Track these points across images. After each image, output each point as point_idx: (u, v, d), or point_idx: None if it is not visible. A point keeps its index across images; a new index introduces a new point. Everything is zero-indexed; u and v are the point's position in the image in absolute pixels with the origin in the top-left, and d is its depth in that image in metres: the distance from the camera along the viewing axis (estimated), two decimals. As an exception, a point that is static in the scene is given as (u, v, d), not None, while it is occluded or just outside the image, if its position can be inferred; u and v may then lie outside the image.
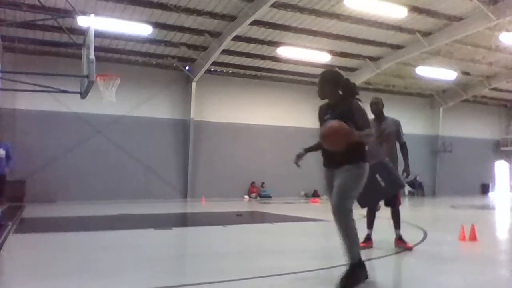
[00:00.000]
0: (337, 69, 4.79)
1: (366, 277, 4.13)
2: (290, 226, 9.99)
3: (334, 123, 4.04)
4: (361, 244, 6.04)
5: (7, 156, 9.38)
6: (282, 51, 19.35)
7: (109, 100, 13.75)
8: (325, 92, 4.42)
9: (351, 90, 4.39)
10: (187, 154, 20.42)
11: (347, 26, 17.73)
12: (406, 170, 6.15)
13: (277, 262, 5.35)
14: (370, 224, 6.24)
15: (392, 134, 6.26)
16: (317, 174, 23.00)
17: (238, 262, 5.48)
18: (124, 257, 5.83)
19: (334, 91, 4.38)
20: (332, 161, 4.27)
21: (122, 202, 17.15)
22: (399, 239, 6.12)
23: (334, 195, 4.17)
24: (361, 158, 4.24)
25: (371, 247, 6.08)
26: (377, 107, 6.37)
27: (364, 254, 5.69)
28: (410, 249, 5.99)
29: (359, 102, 4.30)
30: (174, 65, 20.34)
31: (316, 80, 4.50)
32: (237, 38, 17.84)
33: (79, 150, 18.32)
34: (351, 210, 4.13)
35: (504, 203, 20.39)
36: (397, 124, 6.33)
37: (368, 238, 6.17)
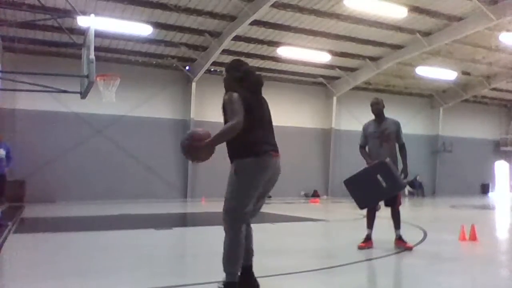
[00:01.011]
0: (240, 58, 4.27)
1: None
2: (290, 226, 9.99)
3: (192, 134, 3.60)
4: (361, 244, 6.09)
5: (7, 156, 9.39)
6: (282, 51, 19.34)
7: (109, 100, 13.73)
8: (225, 85, 3.82)
9: (251, 82, 3.77)
10: (187, 154, 20.39)
11: (347, 26, 17.72)
12: (404, 171, 6.14)
13: (277, 262, 5.34)
14: (370, 224, 6.24)
15: (392, 135, 6.27)
16: (317, 174, 23.19)
17: (238, 262, 5.46)
18: (124, 257, 5.83)
19: (235, 84, 3.73)
20: (228, 154, 3.71)
21: (122, 202, 17.14)
22: (399, 239, 6.13)
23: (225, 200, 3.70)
24: (243, 153, 3.59)
25: (371, 247, 6.09)
26: (377, 107, 6.38)
27: (364, 254, 5.72)
28: (410, 249, 5.99)
29: (232, 94, 3.59)
30: (174, 65, 20.33)
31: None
32: (237, 38, 17.83)
33: (79, 150, 18.31)
34: (240, 220, 3.63)
35: (504, 203, 20.38)
36: (397, 125, 6.33)
37: (368, 238, 6.17)
